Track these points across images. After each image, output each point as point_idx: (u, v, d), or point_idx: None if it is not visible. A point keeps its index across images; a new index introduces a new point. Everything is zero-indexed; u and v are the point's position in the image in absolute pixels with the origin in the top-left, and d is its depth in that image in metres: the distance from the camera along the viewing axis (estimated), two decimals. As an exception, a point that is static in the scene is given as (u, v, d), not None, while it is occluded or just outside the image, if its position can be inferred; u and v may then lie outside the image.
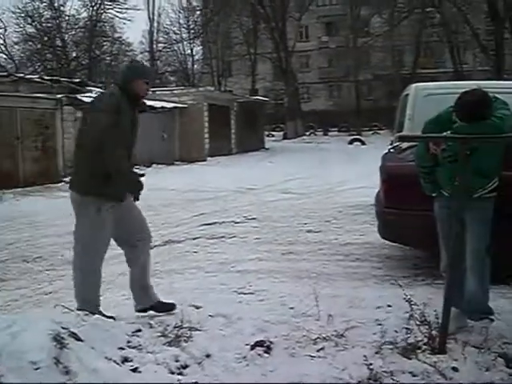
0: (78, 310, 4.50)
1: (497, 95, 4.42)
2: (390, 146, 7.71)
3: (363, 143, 34.29)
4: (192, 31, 54.08)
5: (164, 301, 4.95)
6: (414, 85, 9.46)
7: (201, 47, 56.11)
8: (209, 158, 25.39)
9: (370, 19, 46.98)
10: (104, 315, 4.53)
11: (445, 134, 4.11)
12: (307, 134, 45.87)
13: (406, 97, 9.43)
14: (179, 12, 55.61)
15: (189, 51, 57.40)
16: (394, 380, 3.56)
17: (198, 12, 52.54)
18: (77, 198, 4.61)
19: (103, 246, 4.68)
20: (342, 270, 6.58)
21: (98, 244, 4.63)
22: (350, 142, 35.49)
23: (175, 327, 4.44)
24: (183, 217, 10.64)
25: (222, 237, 8.69)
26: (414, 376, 3.63)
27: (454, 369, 3.67)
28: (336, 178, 15.92)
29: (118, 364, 3.81)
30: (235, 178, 16.70)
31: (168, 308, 4.88)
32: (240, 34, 48.45)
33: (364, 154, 23.05)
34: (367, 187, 8.08)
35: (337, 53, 54.27)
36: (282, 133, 44.92)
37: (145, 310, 4.88)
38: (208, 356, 4.03)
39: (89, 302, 4.65)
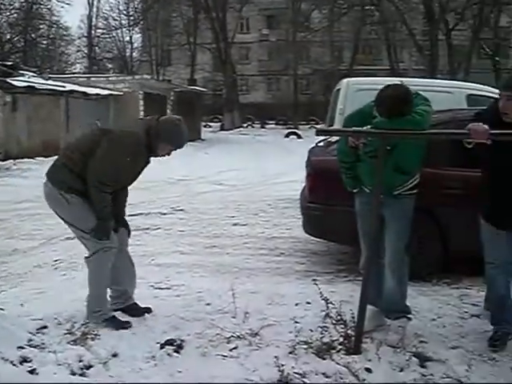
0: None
1: (422, 92, 4.35)
2: (317, 140, 7.61)
3: (299, 137, 34.35)
4: (131, 18, 53.07)
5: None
6: (345, 79, 9.45)
7: (140, 35, 55.26)
8: (143, 147, 24.78)
9: (311, 14, 47.12)
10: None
11: (364, 128, 4.00)
12: (244, 125, 45.74)
13: (337, 91, 9.40)
14: (119, -3, 54.63)
15: (128, 38, 56.52)
16: (304, 382, 3.43)
17: (138, -1, 51.64)
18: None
19: None
20: (265, 265, 6.43)
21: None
22: (287, 136, 35.54)
23: (83, 324, 4.22)
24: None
25: (147, 228, 8.41)
26: (327, 377, 3.55)
27: (368, 370, 3.61)
28: (270, 171, 15.85)
29: (15, 365, 3.57)
30: (167, 168, 16.28)
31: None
32: (180, 23, 47.82)
33: (300, 147, 22.97)
34: (299, 181, 7.99)
35: (277, 46, 54.34)
36: (219, 124, 44.66)
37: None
38: (115, 355, 3.84)
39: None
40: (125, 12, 53.86)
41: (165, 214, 9.64)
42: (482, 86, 9.60)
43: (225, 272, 6.10)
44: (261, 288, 5.30)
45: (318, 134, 4.28)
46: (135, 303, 4.64)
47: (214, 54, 46.77)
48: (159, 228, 8.46)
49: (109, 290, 4.53)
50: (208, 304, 4.85)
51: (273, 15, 57.82)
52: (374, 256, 4.09)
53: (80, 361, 3.71)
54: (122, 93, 25.52)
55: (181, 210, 9.98)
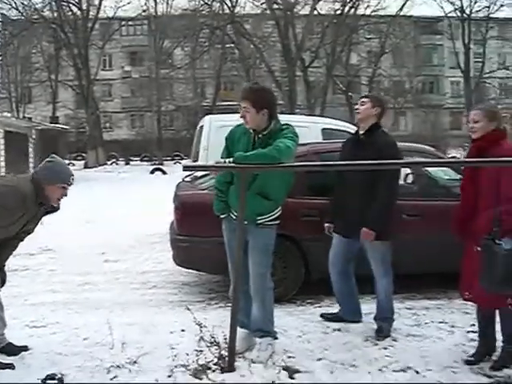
0: None
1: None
2: (184, 175, 7.93)
3: (164, 172, 34.58)
4: (-11, 53, 51.12)
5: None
6: (207, 116, 9.88)
7: (-2, 71, 53.23)
8: (4, 188, 23.87)
9: (173, 51, 47.80)
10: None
11: (226, 161, 4.26)
12: (109, 163, 45.24)
13: (201, 128, 9.80)
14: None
15: (-15, 74, 54.23)
16: (183, 401, 3.68)
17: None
18: None
19: None
20: (138, 298, 6.60)
21: None
22: (152, 172, 35.67)
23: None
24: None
25: (15, 270, 8.24)
26: (204, 396, 3.79)
27: (241, 385, 3.89)
28: (136, 207, 15.87)
29: None
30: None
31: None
32: (41, 59, 46.74)
33: (164, 183, 23.24)
34: (166, 216, 8.25)
35: (140, 83, 54.41)
36: (83, 162, 43.84)
37: None
38: (-6, 394, 3.86)
39: None
40: (-19, 47, 51.80)
41: (33, 254, 9.47)
42: (335, 120, 10.43)
43: (99, 307, 6.18)
44: (136, 320, 5.44)
45: (184, 170, 4.54)
46: (10, 343, 4.64)
47: (76, 91, 46.01)
48: (28, 269, 8.33)
49: None
50: (85, 338, 4.92)
51: (135, 52, 57.90)
52: (240, 283, 4.39)
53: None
54: (-21, 132, 24.57)
55: (49, 249, 9.83)
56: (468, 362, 4.40)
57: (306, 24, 36.88)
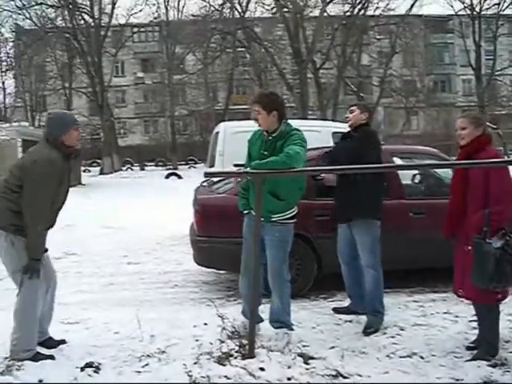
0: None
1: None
2: (202, 180, 8.34)
3: (180, 177, 34.98)
4: (4, 63, 51.93)
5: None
6: (223, 123, 10.30)
7: (13, 80, 53.97)
8: (23, 195, 24.33)
9: (185, 57, 48.30)
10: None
11: (243, 170, 4.75)
12: (124, 169, 45.88)
13: (216, 134, 10.22)
14: (-10, 43, 53.16)
15: (0, 84, 55.03)
16: (210, 383, 4.10)
17: (11, 43, 50.59)
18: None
19: None
20: (162, 296, 7.04)
21: None
22: (167, 177, 36.00)
23: (5, 358, 4.61)
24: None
25: (43, 272, 8.73)
26: (229, 379, 4.21)
27: (262, 369, 4.31)
28: (153, 212, 16.28)
29: None
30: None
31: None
32: (54, 68, 47.36)
33: (180, 187, 23.63)
34: (183, 219, 8.67)
35: (152, 88, 55.02)
36: (98, 168, 44.43)
37: None
38: (41, 381, 4.28)
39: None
40: (-4, 57, 52.59)
41: (59, 258, 9.90)
42: (344, 124, 10.78)
43: (126, 305, 6.63)
44: (161, 315, 5.88)
45: (206, 176, 5.02)
46: (50, 337, 5.04)
47: (90, 99, 46.63)
48: (56, 271, 8.77)
49: None
50: (116, 332, 5.35)
51: (147, 58, 58.54)
52: (258, 279, 4.80)
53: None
54: (-1, 141, 25.08)
55: (73, 253, 10.27)
56: (469, 348, 4.77)
57: (316, 26, 37.11)
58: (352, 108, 5.70)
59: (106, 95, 42.67)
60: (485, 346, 4.60)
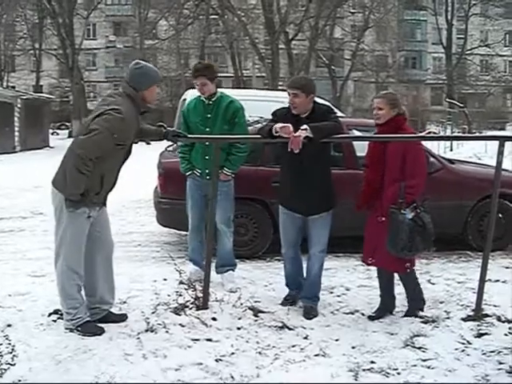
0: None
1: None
2: (166, 145, 8.61)
3: (148, 143, 34.94)
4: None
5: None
6: (190, 90, 10.50)
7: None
8: (-10, 156, 24.38)
9: (158, 22, 47.95)
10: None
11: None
12: (93, 132, 45.58)
13: (184, 101, 10.43)
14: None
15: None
16: (166, 330, 4.47)
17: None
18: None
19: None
20: (125, 254, 7.31)
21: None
22: (136, 142, 35.93)
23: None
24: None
25: (12, 230, 9.00)
26: (183, 327, 4.58)
27: (214, 319, 4.73)
28: (120, 176, 16.44)
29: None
30: (21, 175, 16.61)
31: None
32: (24, 28, 46.71)
33: (148, 152, 23.79)
34: (149, 183, 8.95)
35: (124, 53, 54.55)
36: (67, 131, 44.19)
37: None
38: (9, 326, 4.58)
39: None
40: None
41: (25, 217, 10.18)
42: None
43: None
44: (123, 271, 6.15)
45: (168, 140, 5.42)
46: (110, 311, 4.77)
47: (60, 61, 46.18)
48: (24, 230, 9.06)
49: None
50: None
51: (120, 22, 57.94)
52: (212, 233, 5.15)
53: None
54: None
55: (40, 213, 10.47)
56: (370, 318, 5.06)
57: (290, -3, 37.23)
58: (294, 92, 4.90)
59: (76, 58, 42.38)
60: (411, 304, 5.07)
